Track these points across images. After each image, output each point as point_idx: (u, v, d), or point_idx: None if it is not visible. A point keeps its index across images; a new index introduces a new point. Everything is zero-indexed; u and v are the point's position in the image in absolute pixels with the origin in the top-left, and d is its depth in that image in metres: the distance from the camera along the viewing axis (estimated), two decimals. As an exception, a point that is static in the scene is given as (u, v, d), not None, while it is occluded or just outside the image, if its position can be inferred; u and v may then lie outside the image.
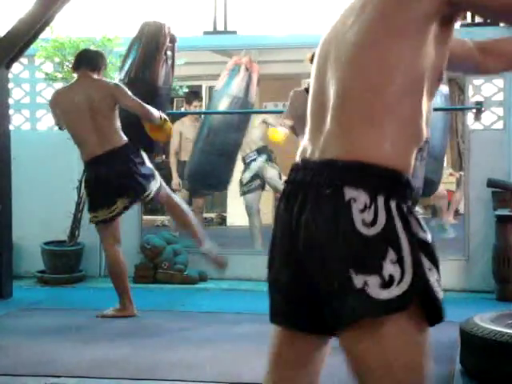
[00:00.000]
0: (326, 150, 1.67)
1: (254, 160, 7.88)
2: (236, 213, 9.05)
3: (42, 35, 6.15)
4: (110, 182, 5.08)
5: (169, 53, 5.77)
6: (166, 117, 5.26)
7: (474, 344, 3.60)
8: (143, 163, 5.11)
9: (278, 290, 1.94)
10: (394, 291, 1.56)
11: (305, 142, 1.77)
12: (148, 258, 6.72)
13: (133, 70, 5.78)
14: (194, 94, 8.61)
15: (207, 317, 5.39)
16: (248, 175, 7.81)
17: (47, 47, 6.51)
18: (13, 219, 6.22)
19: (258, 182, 7.92)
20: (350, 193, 1.60)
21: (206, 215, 10.75)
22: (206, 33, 7.40)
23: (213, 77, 10.35)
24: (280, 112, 7.42)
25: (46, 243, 6.70)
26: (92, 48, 5.68)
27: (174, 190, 8.35)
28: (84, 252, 6.76)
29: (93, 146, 5.09)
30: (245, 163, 7.84)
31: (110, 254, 5.26)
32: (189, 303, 5.93)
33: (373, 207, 1.59)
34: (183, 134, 8.16)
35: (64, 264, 6.65)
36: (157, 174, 5.24)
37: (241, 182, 7.92)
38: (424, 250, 1.61)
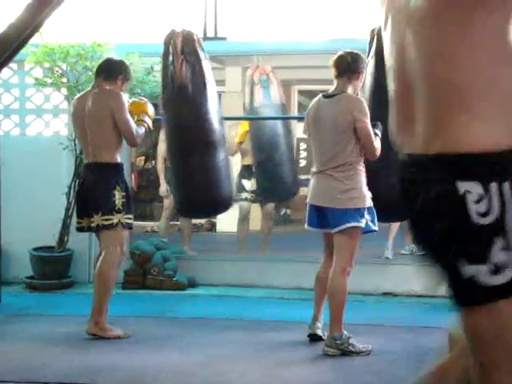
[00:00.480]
0: (428, 144, 1.65)
1: (247, 176, 7.88)
2: (225, 219, 9.04)
3: (32, 40, 6.12)
4: (79, 195, 5.13)
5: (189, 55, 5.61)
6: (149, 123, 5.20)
7: (462, 350, 3.60)
8: (108, 194, 4.90)
9: None
10: (504, 278, 1.60)
11: (396, 133, 1.78)
12: (137, 263, 6.71)
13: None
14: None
15: (196, 323, 5.38)
16: (253, 186, 7.83)
17: (37, 52, 6.50)
18: (1, 224, 6.20)
19: (249, 195, 7.94)
20: (463, 186, 1.61)
21: (195, 221, 10.75)
22: (196, 39, 7.40)
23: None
24: (270, 118, 7.47)
25: (35, 249, 6.68)
26: (113, 57, 5.50)
27: (161, 197, 8.39)
28: (73, 258, 6.74)
29: (87, 154, 5.09)
30: (251, 172, 7.85)
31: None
32: (178, 309, 5.92)
33: (487, 197, 1.60)
34: None
35: (53, 270, 6.63)
36: (118, 216, 4.89)
37: (243, 187, 7.91)
38: None
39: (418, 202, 1.69)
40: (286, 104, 7.80)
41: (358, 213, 4.46)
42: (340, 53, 4.62)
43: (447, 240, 1.65)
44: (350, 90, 4.56)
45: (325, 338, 4.59)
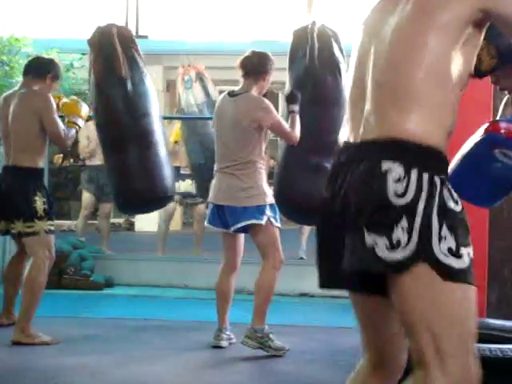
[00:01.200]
0: (367, 133, 1.90)
1: (190, 177, 7.81)
2: (144, 218, 8.99)
3: None
4: (6, 199, 4.84)
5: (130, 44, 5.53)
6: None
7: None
8: (29, 199, 4.74)
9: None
10: (398, 254, 1.79)
11: (345, 127, 1.99)
12: (53, 263, 6.59)
13: (96, 75, 5.51)
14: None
15: (113, 323, 5.33)
16: (181, 189, 7.77)
17: (-49, 45, 6.34)
18: None
19: (187, 200, 7.90)
20: (386, 165, 1.82)
21: (113, 220, 10.64)
22: (117, 36, 7.33)
23: (123, 81, 10.27)
24: (190, 119, 7.44)
25: None
26: (43, 56, 5.31)
27: (79, 195, 8.27)
28: None
29: (7, 156, 4.90)
30: (179, 173, 7.77)
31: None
32: (94, 309, 5.86)
33: (406, 179, 1.81)
34: (90, 138, 8.03)
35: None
36: (40, 223, 4.76)
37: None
38: (449, 219, 1.81)
39: (344, 180, 1.89)
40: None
41: (258, 210, 4.49)
42: (247, 53, 4.66)
43: (362, 209, 1.84)
44: (254, 91, 4.59)
45: (231, 341, 4.64)
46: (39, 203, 4.75)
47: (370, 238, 1.81)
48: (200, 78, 7.24)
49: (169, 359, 4.39)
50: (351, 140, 1.95)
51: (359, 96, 1.95)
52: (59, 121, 4.81)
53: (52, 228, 4.88)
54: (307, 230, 7.46)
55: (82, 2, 7.60)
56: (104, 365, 4.22)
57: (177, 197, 7.78)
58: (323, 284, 2.08)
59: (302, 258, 7.36)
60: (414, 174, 1.80)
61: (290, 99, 4.70)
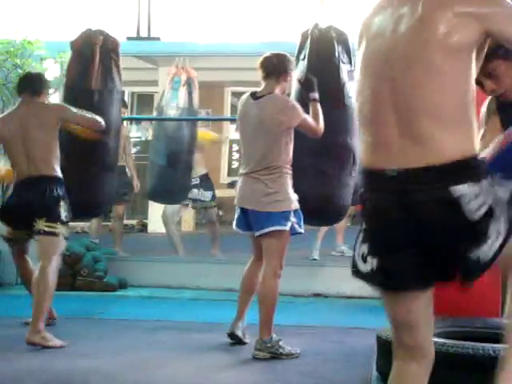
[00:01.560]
0: (417, 159, 2.01)
1: (196, 187, 7.78)
2: (157, 220, 9.00)
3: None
4: (29, 205, 4.91)
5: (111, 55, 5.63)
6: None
7: (390, 350, 3.65)
8: (55, 202, 4.86)
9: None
10: (491, 252, 2.05)
11: (371, 150, 2.11)
12: (67, 264, 6.61)
13: (69, 78, 5.69)
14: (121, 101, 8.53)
15: (126, 324, 5.34)
16: (190, 195, 7.75)
17: (-35, 49, 6.37)
18: None
19: (189, 203, 7.89)
20: (458, 189, 1.99)
21: (126, 222, 10.66)
22: (129, 38, 7.36)
23: (135, 83, 10.30)
24: (203, 119, 7.44)
25: (-39, 250, 6.53)
26: (32, 71, 5.47)
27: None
28: (0, 259, 6.61)
29: (23, 169, 4.96)
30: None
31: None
32: (108, 311, 5.87)
33: (480, 194, 1.99)
34: None
35: (-21, 271, 6.49)
36: (61, 227, 4.88)
37: None
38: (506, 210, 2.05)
39: (413, 210, 2.03)
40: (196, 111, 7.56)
41: (283, 216, 4.43)
42: (266, 54, 4.57)
43: (454, 237, 2.03)
44: (277, 91, 4.52)
45: (244, 340, 4.62)
46: (64, 209, 4.89)
47: (473, 254, 2.02)
48: (189, 83, 7.21)
49: (181, 360, 4.39)
50: (392, 166, 2.04)
51: (383, 118, 2.06)
52: (83, 111, 4.99)
53: (67, 236, 5.00)
54: (323, 232, 7.45)
55: (94, 5, 7.62)
56: (117, 366, 4.22)
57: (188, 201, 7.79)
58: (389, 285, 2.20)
59: (315, 259, 7.35)
60: (483, 185, 2.00)
61: (307, 86, 4.60)
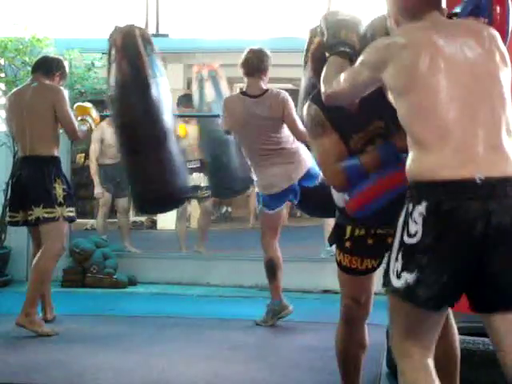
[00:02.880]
0: (496, 168, 2.18)
1: (197, 170, 7.79)
2: (166, 216, 9.01)
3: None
4: (16, 187, 5.06)
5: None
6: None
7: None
8: (48, 187, 4.89)
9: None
10: None
11: (466, 156, 2.18)
12: (77, 261, 6.64)
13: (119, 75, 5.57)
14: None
15: (136, 321, 5.35)
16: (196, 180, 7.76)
17: (-26, 47, 6.38)
18: None
19: (196, 193, 7.88)
20: None
21: (136, 219, 10.66)
22: (137, 35, 7.34)
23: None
24: (210, 116, 7.42)
25: (-29, 247, 6.56)
26: (50, 55, 5.49)
27: (95, 199, 8.33)
28: (11, 256, 6.63)
29: (23, 147, 5.05)
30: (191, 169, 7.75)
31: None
32: (118, 307, 5.88)
33: None
34: (105, 139, 8.06)
35: (-11, 268, 6.52)
36: (60, 210, 4.90)
37: None
38: None
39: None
40: None
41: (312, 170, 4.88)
42: (246, 53, 5.03)
43: None
44: (264, 87, 5.03)
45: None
46: (59, 190, 4.92)
47: None
48: (212, 76, 7.22)
49: (191, 357, 4.40)
50: (478, 175, 2.14)
51: (471, 128, 2.20)
52: (72, 113, 5.01)
53: (72, 214, 5.02)
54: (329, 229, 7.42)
55: (102, 2, 7.62)
56: (128, 362, 4.24)
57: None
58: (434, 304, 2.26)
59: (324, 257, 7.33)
60: None
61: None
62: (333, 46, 2.69)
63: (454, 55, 2.28)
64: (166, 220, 9.52)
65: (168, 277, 6.76)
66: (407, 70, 2.28)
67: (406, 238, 2.22)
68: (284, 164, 4.91)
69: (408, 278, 2.20)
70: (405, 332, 2.32)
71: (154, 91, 5.18)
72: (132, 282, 6.69)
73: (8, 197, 6.35)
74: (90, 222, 9.94)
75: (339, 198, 2.93)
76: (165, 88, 5.28)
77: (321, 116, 2.78)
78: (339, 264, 3.02)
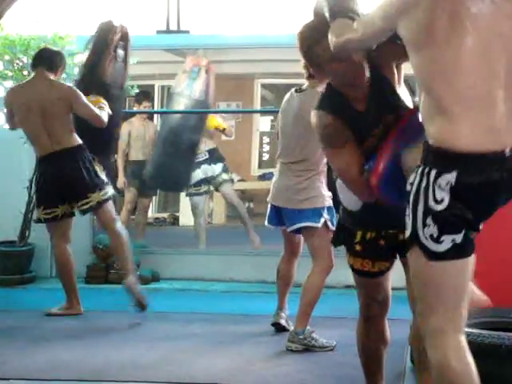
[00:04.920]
0: None
1: (206, 162, 7.82)
2: (189, 213, 9.02)
3: (-8, 32, 6.07)
4: (54, 183, 5.14)
5: (120, 51, 5.72)
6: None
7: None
8: (94, 171, 5.11)
9: None
10: None
11: (496, 126, 2.16)
12: (100, 258, 6.67)
13: (83, 69, 5.77)
14: (144, 94, 8.58)
15: (159, 317, 5.37)
16: (197, 177, 7.77)
17: (-3, 45, 6.42)
18: (-38, 219, 6.12)
19: (206, 187, 7.89)
20: None
21: (158, 215, 10.70)
22: (158, 32, 7.37)
23: (165, 76, 10.31)
24: (233, 112, 7.43)
25: (-4, 243, 6.61)
26: (50, 47, 5.58)
27: (119, 190, 8.36)
28: (35, 252, 6.68)
29: (44, 145, 5.10)
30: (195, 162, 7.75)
31: (59, 252, 5.26)
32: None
33: None
34: (132, 134, 8.12)
35: (14, 265, 6.55)
36: (109, 188, 5.25)
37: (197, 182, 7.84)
38: None
39: None
40: (209, 104, 7.50)
41: (314, 212, 4.45)
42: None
43: None
44: (320, 88, 4.51)
45: (289, 327, 4.63)
46: (100, 171, 5.18)
47: None
48: (207, 74, 7.21)
49: (216, 352, 4.41)
50: (505, 147, 2.17)
51: (496, 98, 2.16)
52: (90, 104, 5.10)
53: (113, 191, 5.34)
54: None
55: (124, -1, 7.65)
56: (152, 358, 4.25)
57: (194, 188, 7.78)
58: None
59: None
60: None
61: None
62: (338, 12, 2.54)
63: (479, 10, 2.17)
64: (189, 216, 9.54)
65: (191, 273, 6.77)
66: (424, 25, 2.20)
67: (432, 204, 2.20)
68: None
69: (455, 238, 2.21)
70: (450, 298, 2.28)
71: None
72: (155, 278, 6.71)
73: (32, 194, 6.43)
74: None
75: (349, 200, 2.87)
76: None
77: (332, 122, 2.67)
78: (351, 267, 3.01)
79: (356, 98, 2.69)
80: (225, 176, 7.90)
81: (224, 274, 6.75)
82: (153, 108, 9.75)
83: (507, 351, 3.32)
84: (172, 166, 7.01)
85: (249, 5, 7.72)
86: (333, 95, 2.73)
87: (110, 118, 5.22)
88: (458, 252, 2.23)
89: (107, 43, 5.63)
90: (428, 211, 2.21)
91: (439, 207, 2.19)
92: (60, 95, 5.01)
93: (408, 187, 2.29)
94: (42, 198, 5.21)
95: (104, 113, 5.16)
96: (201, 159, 7.75)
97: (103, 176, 5.17)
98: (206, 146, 7.79)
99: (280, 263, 4.84)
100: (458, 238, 2.21)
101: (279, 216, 4.63)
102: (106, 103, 5.28)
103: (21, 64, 6.64)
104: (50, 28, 6.48)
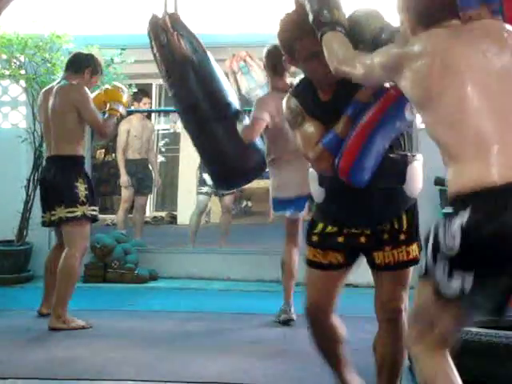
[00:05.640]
0: None
1: None
2: (187, 211, 9.04)
3: (-11, 32, 6.07)
4: (41, 188, 5.12)
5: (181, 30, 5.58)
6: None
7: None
8: (71, 186, 4.89)
9: None
10: None
11: (498, 163, 2.11)
12: (98, 257, 6.67)
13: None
14: (143, 92, 8.60)
15: (157, 316, 5.37)
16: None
17: (-6, 44, 6.42)
18: (-41, 218, 6.12)
19: (209, 189, 7.88)
20: None
21: (156, 214, 10.73)
22: (156, 30, 7.35)
23: (163, 75, 10.30)
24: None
25: (-6, 242, 6.61)
26: (83, 51, 5.46)
27: (120, 190, 8.37)
28: (32, 251, 6.68)
29: (48, 146, 5.10)
30: None
31: (48, 254, 5.26)
32: (139, 302, 5.91)
33: None
34: (131, 132, 8.13)
35: (12, 264, 6.56)
36: (83, 209, 4.90)
37: (204, 181, 7.80)
38: None
39: None
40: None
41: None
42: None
43: None
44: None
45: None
46: (81, 189, 4.91)
47: None
48: (243, 65, 7.21)
49: (213, 351, 4.41)
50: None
51: (504, 127, 2.16)
52: (97, 110, 4.98)
53: (94, 213, 5.01)
54: None
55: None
56: (149, 357, 4.25)
57: (210, 189, 7.77)
58: None
59: None
60: None
61: None
62: (327, 23, 2.56)
63: (476, 60, 2.22)
64: (186, 215, 9.55)
65: (189, 271, 6.77)
66: (424, 80, 2.23)
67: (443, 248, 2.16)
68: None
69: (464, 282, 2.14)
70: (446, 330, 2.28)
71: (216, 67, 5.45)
72: (153, 277, 6.72)
73: (29, 193, 6.43)
74: (110, 217, 10.00)
75: (314, 191, 2.88)
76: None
77: (299, 107, 2.78)
78: (306, 259, 2.98)
79: (324, 88, 2.77)
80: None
81: (222, 272, 6.75)
82: (150, 106, 9.75)
83: (505, 350, 3.32)
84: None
85: (246, 4, 7.71)
86: (304, 82, 2.86)
87: None
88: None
89: (163, 29, 5.43)
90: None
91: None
92: (68, 98, 4.94)
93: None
94: (40, 200, 5.19)
95: (111, 119, 5.07)
96: None
97: (81, 195, 4.90)
98: None
99: (283, 254, 5.00)
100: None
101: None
102: (124, 100, 5.13)
103: (18, 63, 6.65)
104: (47, 27, 6.48)
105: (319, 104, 2.76)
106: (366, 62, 2.44)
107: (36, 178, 6.45)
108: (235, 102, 5.30)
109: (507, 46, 2.26)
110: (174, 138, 11.65)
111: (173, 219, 10.79)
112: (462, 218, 2.10)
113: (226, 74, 7.22)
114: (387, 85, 2.59)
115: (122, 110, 5.14)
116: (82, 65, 5.07)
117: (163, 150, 11.91)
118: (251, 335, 4.73)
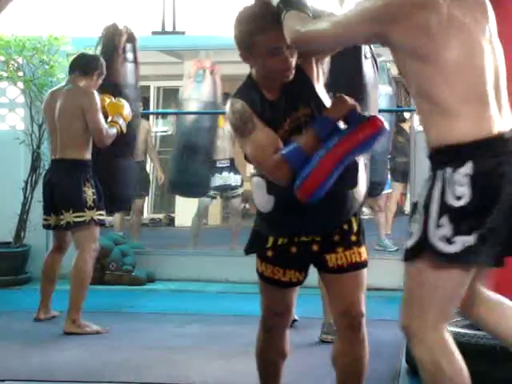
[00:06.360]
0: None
1: (226, 170, 7.80)
2: (185, 213, 9.04)
3: (-13, 33, 6.07)
4: (45, 191, 5.07)
5: (129, 52, 5.68)
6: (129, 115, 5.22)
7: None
8: (79, 190, 4.87)
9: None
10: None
11: (492, 115, 2.22)
12: (95, 259, 6.65)
13: None
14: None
15: (155, 318, 5.37)
16: (218, 182, 7.73)
17: (-8, 46, 6.42)
18: (-43, 220, 6.11)
19: (226, 192, 7.88)
20: None
21: (153, 216, 10.71)
22: (154, 33, 7.37)
23: (161, 77, 10.32)
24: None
25: (-9, 244, 6.60)
26: (87, 52, 5.43)
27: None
28: (30, 254, 6.67)
29: (52, 149, 5.06)
30: (215, 166, 7.72)
31: (45, 258, 5.23)
32: (136, 304, 5.90)
33: None
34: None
35: (9, 266, 6.55)
36: (91, 213, 4.90)
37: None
38: None
39: None
40: (218, 104, 7.44)
41: None
42: None
43: None
44: None
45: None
46: (89, 193, 4.89)
47: None
48: (213, 75, 7.25)
49: (211, 353, 4.41)
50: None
51: (495, 88, 2.26)
52: (102, 118, 4.92)
53: (102, 218, 5.00)
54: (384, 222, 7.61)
55: (119, 0, 7.65)
56: (147, 359, 4.25)
57: (211, 192, 7.78)
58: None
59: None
60: None
61: None
62: (292, 4, 2.46)
63: (472, 19, 2.26)
64: (184, 217, 9.55)
65: (187, 274, 6.77)
66: (425, 30, 2.21)
67: (451, 202, 2.17)
68: None
69: (466, 240, 2.16)
70: (446, 302, 2.29)
71: None
72: (150, 279, 6.71)
73: (27, 195, 6.43)
74: (108, 219, 9.98)
75: (260, 200, 2.76)
76: None
77: (249, 111, 2.60)
78: (261, 274, 2.92)
79: (272, 87, 2.66)
80: (241, 190, 7.89)
81: (219, 274, 6.75)
82: (148, 109, 9.76)
83: (502, 352, 3.32)
84: (192, 171, 7.08)
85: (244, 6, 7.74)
86: (248, 83, 2.72)
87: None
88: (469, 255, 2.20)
89: (115, 46, 5.56)
90: (445, 210, 2.18)
91: (460, 203, 2.17)
92: (76, 103, 4.88)
93: (416, 199, 2.29)
94: (43, 203, 5.14)
95: (113, 130, 4.99)
96: (223, 165, 7.74)
97: (89, 199, 4.88)
98: (227, 153, 7.79)
99: None
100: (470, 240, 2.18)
101: None
102: (125, 114, 5.12)
103: (16, 65, 6.65)
104: (45, 29, 6.48)
105: (268, 104, 2.65)
106: (338, 19, 2.35)
107: (34, 179, 6.45)
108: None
109: (488, 14, 2.32)
110: (172, 140, 11.63)
111: (171, 221, 10.78)
112: (466, 167, 2.16)
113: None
114: (359, 109, 2.56)
115: (121, 122, 5.08)
116: (90, 67, 5.01)
117: (161, 151, 11.90)
118: (250, 337, 4.71)
